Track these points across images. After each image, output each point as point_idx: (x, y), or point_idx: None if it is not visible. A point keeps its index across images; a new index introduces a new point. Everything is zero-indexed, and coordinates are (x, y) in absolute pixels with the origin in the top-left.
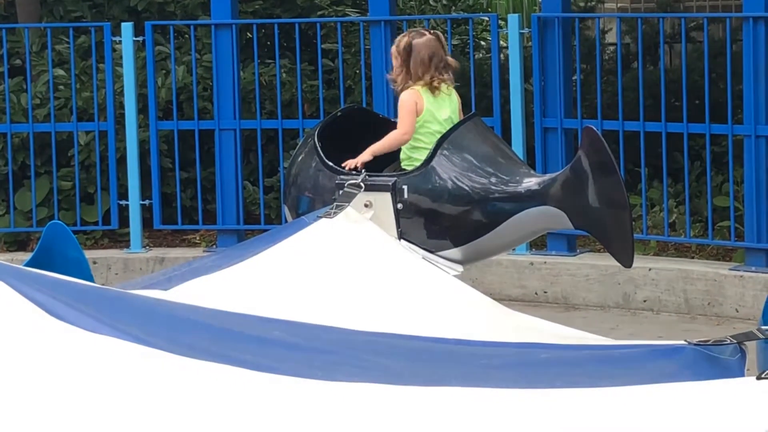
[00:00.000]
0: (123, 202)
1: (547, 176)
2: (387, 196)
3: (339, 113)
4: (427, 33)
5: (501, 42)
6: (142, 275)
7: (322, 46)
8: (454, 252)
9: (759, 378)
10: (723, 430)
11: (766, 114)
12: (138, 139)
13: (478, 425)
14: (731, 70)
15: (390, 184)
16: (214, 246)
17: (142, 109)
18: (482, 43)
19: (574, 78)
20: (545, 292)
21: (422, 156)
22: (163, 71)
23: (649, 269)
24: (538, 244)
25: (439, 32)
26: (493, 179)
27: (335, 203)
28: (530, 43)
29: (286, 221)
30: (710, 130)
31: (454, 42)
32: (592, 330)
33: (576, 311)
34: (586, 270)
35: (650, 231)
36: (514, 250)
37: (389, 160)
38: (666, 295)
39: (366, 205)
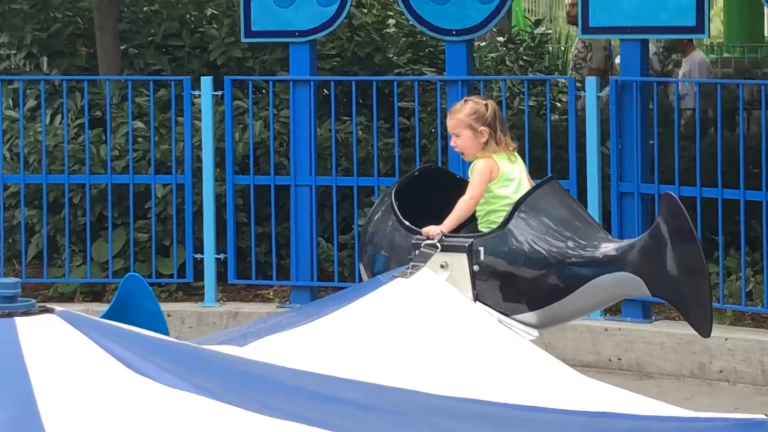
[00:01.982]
0: (198, 256)
1: (625, 242)
2: (463, 258)
3: (416, 173)
4: (484, 99)
5: (578, 104)
6: (216, 329)
7: (399, 104)
8: (530, 316)
9: None
10: None
11: None
12: (214, 193)
13: None
14: None
15: (466, 245)
16: (288, 302)
17: (219, 163)
18: (558, 104)
19: (651, 142)
20: (619, 359)
21: (499, 218)
22: (241, 126)
23: (726, 339)
24: (613, 310)
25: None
26: (570, 243)
27: (411, 263)
28: (608, 106)
29: (361, 279)
30: None
31: (531, 103)
32: (666, 399)
33: (650, 379)
34: (661, 338)
35: (727, 300)
36: (588, 315)
37: (467, 220)
38: (742, 365)
39: (442, 266)
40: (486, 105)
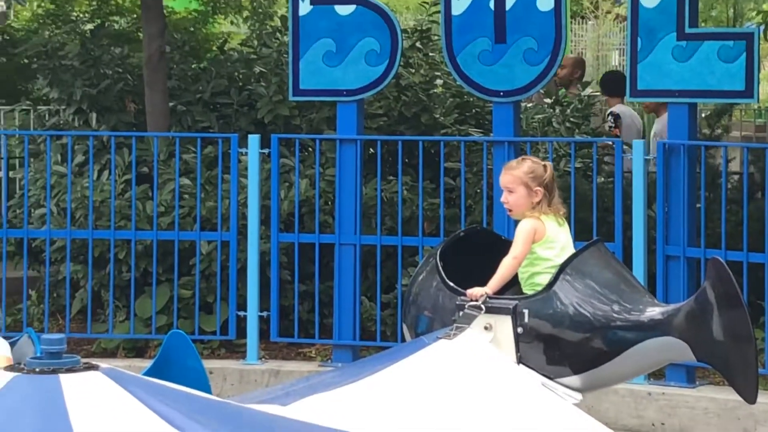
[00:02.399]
0: (241, 313)
1: (671, 306)
2: (507, 320)
3: (461, 233)
4: (542, 161)
5: (625, 167)
6: (258, 387)
7: (445, 164)
8: (574, 379)
9: None
10: None
11: None
12: (259, 250)
13: None
14: None
15: (511, 307)
16: (329, 360)
17: (264, 221)
18: (605, 167)
19: (697, 206)
20: (663, 424)
21: (543, 280)
22: (287, 183)
23: None
24: (657, 374)
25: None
26: (615, 307)
27: (455, 324)
28: (655, 168)
29: (403, 339)
30: None
31: (577, 165)
32: None
33: None
34: (705, 403)
35: None
36: (631, 379)
37: (510, 282)
38: None
39: (486, 328)
40: (545, 166)
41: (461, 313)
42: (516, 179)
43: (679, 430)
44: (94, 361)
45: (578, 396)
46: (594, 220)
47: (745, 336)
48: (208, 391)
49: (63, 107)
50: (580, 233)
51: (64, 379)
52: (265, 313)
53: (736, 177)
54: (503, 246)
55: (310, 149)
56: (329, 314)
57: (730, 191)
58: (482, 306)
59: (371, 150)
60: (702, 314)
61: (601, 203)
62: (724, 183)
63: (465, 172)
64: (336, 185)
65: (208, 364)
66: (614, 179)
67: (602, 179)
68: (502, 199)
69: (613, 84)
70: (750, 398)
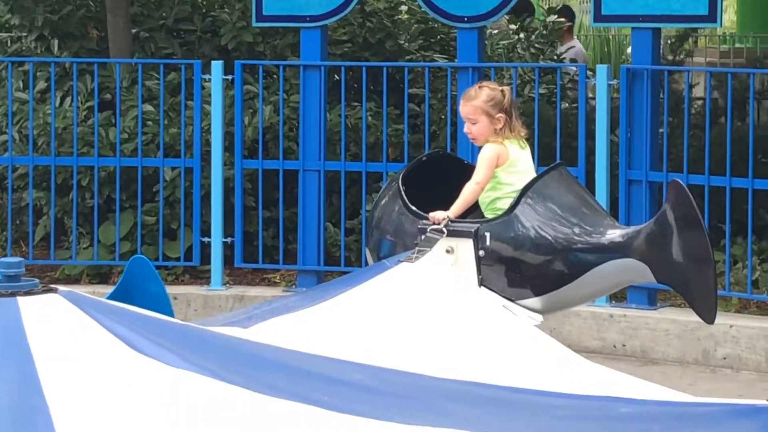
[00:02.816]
0: (205, 239)
1: (631, 228)
2: (469, 243)
3: (424, 158)
4: (499, 86)
5: (588, 92)
6: (222, 312)
7: (409, 90)
8: (535, 301)
9: None
10: None
11: None
12: (223, 177)
13: None
14: None
15: (472, 230)
16: (294, 286)
17: (228, 147)
18: (569, 93)
19: (660, 131)
20: (624, 345)
21: (505, 205)
22: (250, 110)
23: (730, 326)
24: (618, 297)
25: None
26: (576, 229)
27: (417, 248)
28: (617, 95)
29: (367, 264)
30: None
31: (541, 91)
32: (670, 385)
33: (654, 366)
34: (666, 324)
35: (732, 288)
36: (593, 301)
37: (473, 206)
38: (746, 353)
39: (447, 251)
40: (502, 91)
41: (423, 236)
42: (476, 109)
43: (640, 352)
44: (54, 286)
45: (539, 318)
46: (558, 146)
47: (705, 257)
48: (171, 317)
49: (24, 34)
50: (544, 159)
51: (22, 301)
52: (229, 239)
53: (699, 102)
54: (466, 170)
55: (274, 75)
56: (294, 240)
57: (693, 116)
58: (444, 229)
59: (336, 76)
60: (662, 236)
61: (565, 129)
62: (687, 108)
63: (429, 98)
64: (300, 111)
65: (172, 290)
66: (578, 105)
67: (566, 105)
68: (465, 130)
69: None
70: (709, 319)
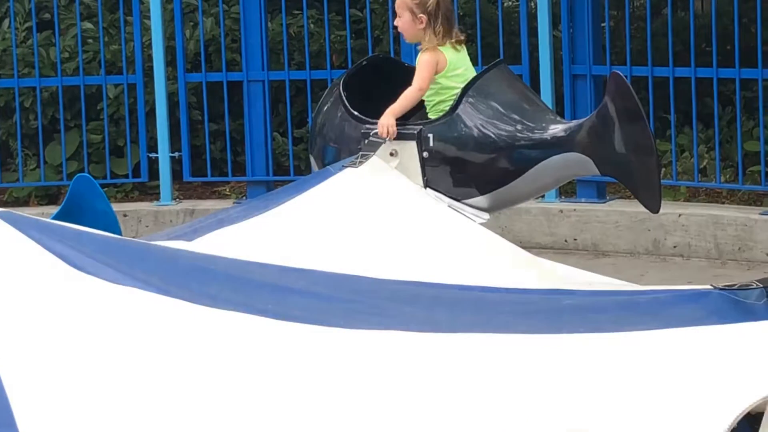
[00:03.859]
0: (152, 155)
1: (574, 122)
2: (412, 145)
3: (364, 62)
4: None
5: None
6: (173, 227)
7: None
8: (481, 200)
9: None
10: (748, 373)
11: None
12: (167, 92)
13: (500, 371)
14: (761, 14)
15: (416, 132)
16: (244, 197)
17: (170, 62)
18: None
19: (603, 24)
20: (575, 240)
21: (447, 105)
22: (191, 23)
23: (679, 215)
24: (568, 192)
25: None
26: (519, 126)
27: (360, 153)
28: None
29: (312, 171)
30: (740, 74)
31: None
32: (621, 276)
33: (606, 258)
34: (615, 217)
35: (680, 177)
36: (543, 197)
37: (415, 108)
38: (696, 240)
39: (391, 154)
40: None
41: (366, 141)
42: (402, 4)
43: (591, 245)
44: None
45: (485, 216)
46: (501, 44)
47: (647, 147)
48: (118, 233)
49: None
50: (487, 58)
51: None
52: (176, 154)
53: None
54: (407, 73)
55: None
56: (242, 152)
57: (636, 8)
58: (388, 139)
59: None
60: (603, 128)
61: (508, 27)
62: (627, 0)
63: (371, 2)
64: (241, 22)
65: (122, 207)
66: (519, 2)
67: (508, 3)
68: (395, 22)
69: None
70: (653, 208)
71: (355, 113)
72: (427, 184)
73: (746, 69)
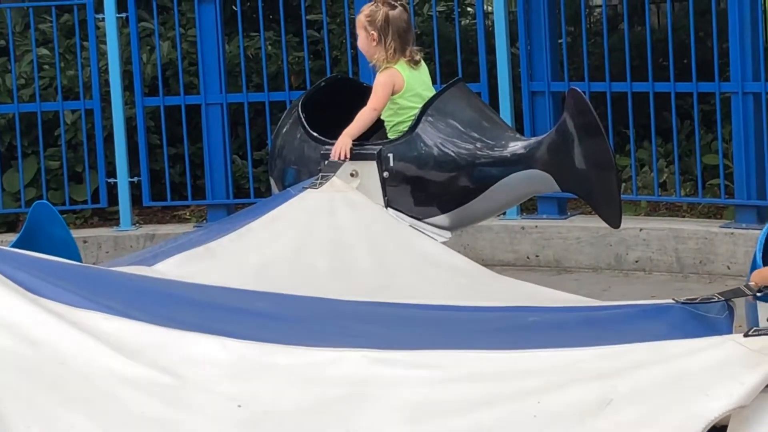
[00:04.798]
0: (111, 180)
1: (533, 139)
2: (373, 165)
3: (322, 83)
4: (396, 3)
5: (486, 7)
6: (133, 252)
7: (307, 17)
8: (442, 218)
9: (746, 335)
10: (710, 387)
11: (753, 70)
12: (124, 117)
13: (464, 387)
14: (717, 27)
15: (375, 152)
16: (205, 221)
17: (127, 86)
18: (469, 9)
19: (560, 41)
20: (537, 256)
21: (407, 125)
22: (148, 47)
23: (641, 229)
24: (529, 209)
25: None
26: (478, 144)
27: (321, 174)
28: (516, 8)
29: (272, 193)
30: (698, 88)
31: (440, 9)
32: (584, 292)
33: (568, 274)
34: (577, 233)
35: (641, 191)
36: (504, 214)
37: (375, 127)
38: (658, 254)
39: (352, 175)
40: (382, 10)
41: (326, 162)
42: (358, 23)
43: (553, 261)
44: None
45: (447, 234)
46: (459, 62)
47: (606, 163)
48: (78, 260)
49: None
50: (446, 77)
51: None
52: (135, 179)
53: (597, 10)
54: (365, 93)
55: (169, 11)
56: (201, 175)
57: (593, 24)
58: (346, 159)
59: (233, 7)
60: (563, 144)
61: (466, 45)
62: (584, 16)
63: (328, 23)
64: (198, 45)
65: (82, 233)
66: (476, 20)
67: (465, 21)
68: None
69: None
70: (614, 224)
71: (315, 134)
72: (388, 204)
73: (703, 83)
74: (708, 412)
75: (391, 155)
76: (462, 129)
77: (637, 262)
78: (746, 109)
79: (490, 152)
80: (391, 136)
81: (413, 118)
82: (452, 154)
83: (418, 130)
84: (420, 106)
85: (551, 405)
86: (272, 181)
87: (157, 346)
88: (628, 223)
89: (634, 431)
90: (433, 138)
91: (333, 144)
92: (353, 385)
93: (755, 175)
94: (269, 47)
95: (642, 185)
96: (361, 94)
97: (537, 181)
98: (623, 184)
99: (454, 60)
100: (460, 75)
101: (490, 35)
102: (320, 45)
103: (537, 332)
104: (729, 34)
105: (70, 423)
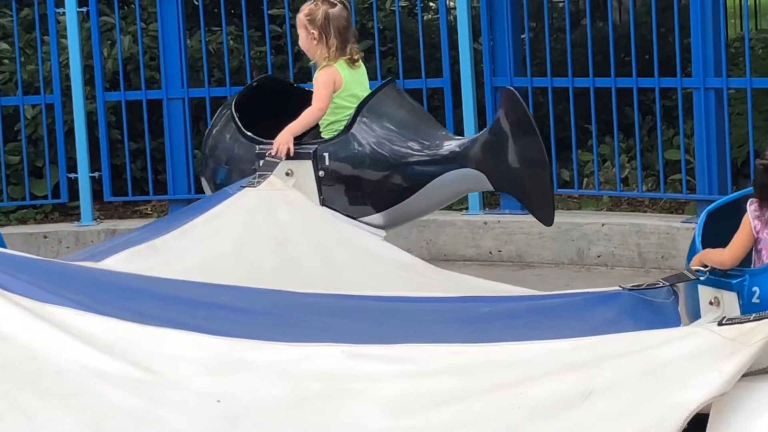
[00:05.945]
0: (72, 175)
1: (467, 138)
2: (308, 164)
3: (255, 83)
4: (336, 1)
5: (449, 2)
6: (79, 250)
7: (269, 11)
8: (377, 217)
9: (720, 324)
10: (690, 376)
11: (715, 66)
12: (85, 111)
13: (441, 381)
14: (679, 23)
15: (311, 151)
16: (166, 215)
17: (88, 81)
18: (431, 4)
19: (522, 36)
20: (500, 251)
21: (342, 124)
22: (109, 42)
23: (602, 224)
24: (492, 204)
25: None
26: (412, 143)
27: (257, 173)
28: (478, 3)
29: (205, 194)
30: (660, 83)
31: (402, 3)
32: (546, 287)
33: (531, 269)
34: (539, 228)
35: (603, 186)
36: (467, 209)
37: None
38: (620, 249)
39: (287, 174)
40: (321, 9)
41: (262, 161)
42: (299, 22)
43: (516, 256)
44: None
45: (382, 233)
46: (422, 58)
47: (539, 161)
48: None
49: None
50: (409, 72)
51: None
52: (96, 174)
53: (560, 5)
54: (297, 94)
55: (131, 5)
56: (163, 170)
57: (555, 19)
58: (282, 156)
59: (195, 2)
60: (497, 143)
61: (429, 41)
62: (546, 11)
63: (290, 18)
64: (159, 40)
65: (42, 228)
66: (439, 15)
67: (428, 16)
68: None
69: None
70: (547, 222)
71: (249, 134)
72: (323, 203)
73: (665, 78)
74: (689, 402)
75: (326, 154)
76: (396, 129)
77: (599, 257)
78: (708, 104)
79: (425, 151)
80: (325, 135)
81: (348, 117)
82: (387, 153)
83: (354, 129)
84: (355, 106)
85: (533, 397)
86: (204, 182)
87: (130, 341)
88: (590, 218)
89: (617, 422)
90: (368, 137)
91: (268, 143)
92: (330, 380)
93: (716, 171)
94: (231, 42)
95: (604, 180)
96: (294, 95)
97: (470, 179)
98: (585, 179)
99: (417, 55)
100: (423, 71)
101: (452, 30)
102: (282, 40)
103: (492, 322)
104: (691, 30)
105: (49, 417)
